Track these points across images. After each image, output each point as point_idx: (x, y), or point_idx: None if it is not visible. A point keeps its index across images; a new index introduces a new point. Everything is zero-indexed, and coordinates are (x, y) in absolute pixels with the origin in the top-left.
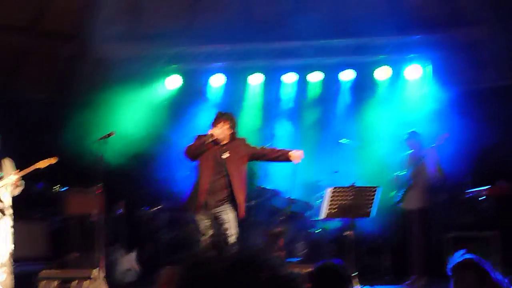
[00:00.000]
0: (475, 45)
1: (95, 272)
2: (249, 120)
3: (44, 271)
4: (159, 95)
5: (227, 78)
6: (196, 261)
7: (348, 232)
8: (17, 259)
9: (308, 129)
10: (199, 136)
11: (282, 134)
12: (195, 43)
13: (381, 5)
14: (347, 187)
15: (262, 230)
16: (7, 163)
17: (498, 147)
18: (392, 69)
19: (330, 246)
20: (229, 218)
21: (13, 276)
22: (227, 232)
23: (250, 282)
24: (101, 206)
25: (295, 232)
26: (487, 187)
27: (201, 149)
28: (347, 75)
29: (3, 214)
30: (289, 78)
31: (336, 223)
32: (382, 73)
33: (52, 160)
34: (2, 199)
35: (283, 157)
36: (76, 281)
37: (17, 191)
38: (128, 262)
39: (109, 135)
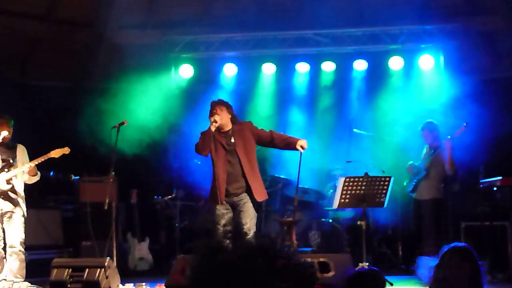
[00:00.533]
0: (490, 34)
1: (107, 260)
2: (262, 109)
3: (56, 259)
4: (173, 83)
5: (240, 67)
6: (211, 249)
7: (360, 222)
8: (30, 247)
9: (321, 118)
10: (202, 133)
11: (296, 124)
12: (209, 31)
13: None
14: (360, 177)
15: (275, 219)
16: (21, 150)
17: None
18: (406, 59)
19: (343, 235)
20: (247, 207)
21: (25, 264)
22: (244, 221)
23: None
24: (114, 195)
25: (308, 221)
26: (501, 177)
27: (209, 140)
28: (360, 65)
29: (16, 202)
30: (303, 67)
31: (349, 213)
32: (396, 63)
33: (65, 150)
34: (15, 187)
35: (291, 145)
36: (88, 270)
37: (33, 181)
38: (141, 251)
39: (121, 123)
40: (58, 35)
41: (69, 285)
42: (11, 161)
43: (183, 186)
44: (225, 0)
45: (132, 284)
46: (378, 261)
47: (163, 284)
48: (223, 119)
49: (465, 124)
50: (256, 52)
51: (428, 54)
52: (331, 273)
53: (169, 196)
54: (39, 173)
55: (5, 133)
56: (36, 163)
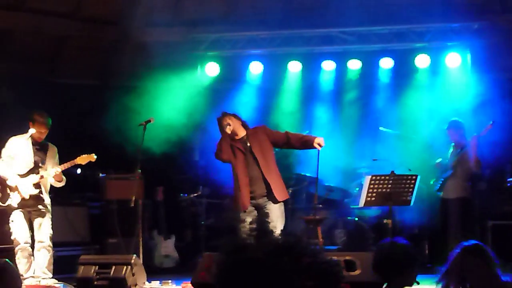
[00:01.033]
0: None
1: (134, 258)
2: (288, 107)
3: (83, 256)
4: (198, 81)
5: (266, 65)
6: (236, 247)
7: (387, 220)
8: (57, 244)
9: (347, 116)
10: (218, 144)
11: (321, 122)
12: (235, 29)
13: None
14: (386, 175)
15: (300, 217)
16: (51, 152)
17: None
18: (433, 57)
19: (369, 234)
20: (273, 206)
21: (53, 260)
22: (270, 219)
23: (290, 268)
24: (141, 192)
25: (334, 219)
26: None
27: (226, 143)
28: (387, 63)
29: (42, 199)
30: (329, 65)
31: (374, 211)
32: (422, 61)
33: (92, 157)
34: (41, 187)
35: (308, 143)
36: (115, 267)
37: (58, 185)
38: (167, 248)
39: (148, 121)
40: (85, 33)
41: (95, 282)
42: (40, 163)
43: (209, 184)
44: None
45: (158, 282)
46: None
47: (189, 282)
48: (234, 124)
49: (491, 122)
50: (282, 50)
51: (455, 52)
52: (357, 272)
53: (195, 194)
54: (64, 178)
55: (32, 130)
56: (63, 168)
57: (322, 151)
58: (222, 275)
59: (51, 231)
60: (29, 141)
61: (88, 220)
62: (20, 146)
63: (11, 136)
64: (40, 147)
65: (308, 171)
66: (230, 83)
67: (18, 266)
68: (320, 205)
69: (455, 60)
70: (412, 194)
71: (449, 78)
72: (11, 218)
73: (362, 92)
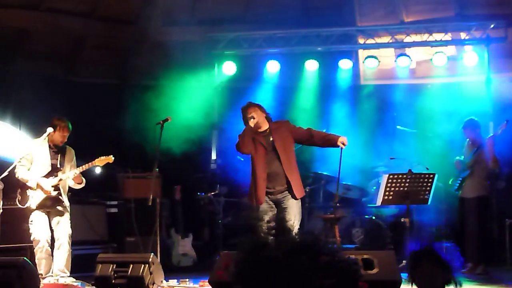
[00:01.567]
0: None
1: (151, 256)
2: (304, 106)
3: (101, 255)
4: (216, 80)
5: (283, 64)
6: (254, 246)
7: (404, 219)
8: (75, 242)
9: (364, 115)
10: (240, 135)
11: (338, 120)
12: (252, 28)
13: None
14: (404, 174)
15: (318, 216)
16: (69, 155)
17: None
18: (450, 55)
19: (386, 233)
20: (291, 204)
21: (71, 259)
22: (288, 218)
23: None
24: (158, 191)
25: (351, 218)
26: None
27: (249, 137)
28: (403, 61)
29: (61, 199)
30: (346, 64)
31: (392, 210)
32: (440, 59)
33: (110, 159)
34: (60, 188)
35: (331, 142)
36: (133, 266)
37: (77, 187)
38: (185, 247)
39: (165, 120)
40: (103, 33)
41: (113, 281)
42: (58, 165)
43: (226, 183)
44: None
45: (175, 280)
46: None
47: (207, 280)
48: (259, 117)
49: (506, 121)
50: (299, 49)
51: (472, 50)
52: (375, 270)
53: (212, 193)
54: (84, 180)
55: (50, 129)
56: (81, 170)
57: (339, 150)
58: (240, 274)
59: (69, 230)
60: (46, 144)
61: (106, 219)
62: (38, 149)
63: (30, 136)
64: (57, 150)
65: (326, 169)
66: (247, 82)
67: (38, 266)
68: (338, 204)
69: (473, 58)
70: (429, 193)
71: (466, 76)
72: (30, 218)
73: (379, 90)
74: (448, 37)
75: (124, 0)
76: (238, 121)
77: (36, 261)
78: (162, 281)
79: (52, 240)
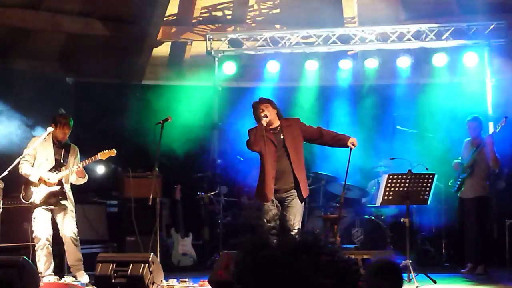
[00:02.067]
0: None
1: (151, 256)
2: (305, 106)
3: (101, 254)
4: (216, 80)
5: (283, 64)
6: (255, 245)
7: (404, 219)
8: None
9: (364, 115)
10: (250, 130)
11: (339, 121)
12: (252, 28)
13: None
14: (404, 174)
15: (318, 216)
16: (73, 151)
17: None
18: (450, 56)
19: (386, 233)
20: (295, 203)
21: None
22: (290, 217)
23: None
24: (158, 190)
25: (351, 218)
26: None
27: (260, 136)
28: (404, 61)
29: (65, 197)
30: (346, 64)
31: (392, 210)
32: (440, 60)
33: (112, 153)
34: (64, 185)
35: (341, 142)
36: (133, 265)
37: (80, 182)
38: (185, 246)
39: (165, 120)
40: (103, 32)
41: (113, 280)
42: (62, 161)
43: (226, 183)
44: None
45: (175, 280)
46: (422, 258)
47: (207, 280)
48: (271, 114)
49: (505, 117)
50: (300, 49)
51: (472, 51)
52: None
53: (212, 192)
54: (87, 175)
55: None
56: (84, 164)
57: (340, 149)
58: (240, 274)
59: (74, 228)
60: (50, 140)
61: (106, 218)
62: (42, 145)
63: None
64: (61, 147)
65: (326, 169)
66: (247, 82)
67: (38, 263)
68: (338, 204)
69: (473, 59)
70: (429, 193)
71: (466, 77)
72: (33, 215)
73: (380, 90)
74: (448, 37)
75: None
76: (238, 121)
77: (36, 258)
78: (162, 281)
79: (59, 237)
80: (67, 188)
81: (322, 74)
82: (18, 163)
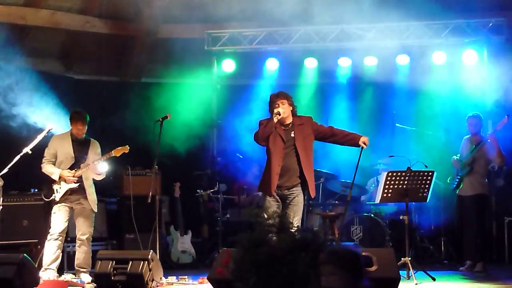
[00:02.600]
0: None
1: (151, 253)
2: (304, 104)
3: (100, 251)
4: (215, 77)
5: (283, 61)
6: (254, 243)
7: (403, 217)
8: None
9: (364, 113)
10: (261, 122)
11: (337, 118)
12: (252, 26)
13: None
14: (403, 171)
15: (317, 213)
16: (93, 147)
17: None
18: (449, 53)
19: (385, 230)
20: (297, 201)
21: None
22: (291, 215)
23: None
24: (158, 188)
25: (350, 216)
26: None
27: (269, 130)
28: (403, 59)
29: (85, 196)
30: (345, 62)
31: (391, 207)
32: (439, 57)
33: (126, 149)
34: (83, 182)
35: (352, 141)
36: (132, 262)
37: (98, 178)
38: (184, 244)
39: (164, 117)
40: (103, 30)
41: (113, 277)
42: (81, 159)
43: (225, 180)
44: None
45: (175, 277)
46: (421, 256)
47: (206, 277)
48: (285, 112)
49: (507, 115)
50: (299, 47)
51: (471, 48)
52: (374, 267)
53: (212, 190)
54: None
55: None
56: (98, 162)
57: (338, 147)
58: (240, 271)
59: (91, 229)
60: (68, 138)
61: (105, 216)
62: (61, 143)
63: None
64: (81, 143)
65: (325, 166)
66: (246, 79)
67: (44, 256)
68: (336, 201)
69: (472, 56)
70: (428, 191)
71: (466, 74)
72: (53, 210)
73: (379, 88)
74: (447, 35)
75: None
76: (238, 118)
77: (44, 250)
78: (161, 278)
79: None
80: (88, 185)
81: (321, 72)
82: (18, 160)
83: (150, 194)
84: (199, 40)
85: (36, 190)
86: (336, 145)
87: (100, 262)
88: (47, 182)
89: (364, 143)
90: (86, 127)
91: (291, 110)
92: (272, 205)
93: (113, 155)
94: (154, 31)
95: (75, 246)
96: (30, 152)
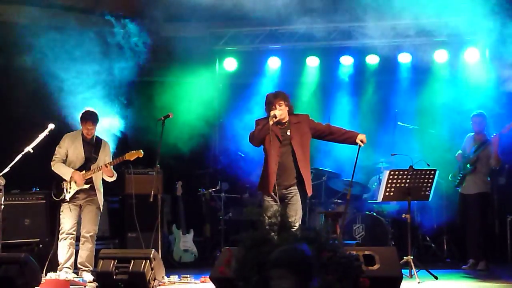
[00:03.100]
0: None
1: (153, 252)
2: (306, 102)
3: (103, 250)
4: (217, 76)
5: (285, 60)
6: (256, 242)
7: (405, 215)
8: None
9: (365, 111)
10: (258, 122)
11: (339, 116)
12: (254, 24)
13: None
14: (405, 170)
15: (319, 212)
16: (104, 147)
17: None
18: (451, 52)
19: (387, 229)
20: (295, 200)
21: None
22: (291, 214)
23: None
24: (160, 187)
25: (352, 214)
26: None
27: (265, 133)
28: (405, 58)
29: (93, 194)
30: (347, 60)
31: (393, 206)
32: (441, 56)
33: (140, 153)
34: (93, 182)
35: (350, 139)
36: (134, 261)
37: (109, 180)
38: (186, 243)
39: (166, 116)
40: (104, 28)
41: (115, 276)
42: (91, 159)
43: (227, 179)
44: None
45: (177, 276)
46: (423, 254)
47: (208, 276)
48: (282, 114)
49: None
50: (300, 45)
51: (473, 47)
52: (376, 266)
53: (214, 189)
54: (115, 173)
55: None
56: (110, 165)
57: (341, 145)
58: (242, 270)
59: (96, 228)
60: (80, 138)
61: (107, 215)
62: (72, 143)
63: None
64: (91, 144)
65: (327, 165)
66: (248, 78)
67: (59, 255)
68: (339, 200)
69: (474, 55)
70: (430, 189)
71: (467, 73)
72: (61, 208)
73: (381, 87)
74: (449, 33)
75: None
76: (239, 116)
77: (58, 249)
78: (163, 277)
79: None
80: (97, 184)
81: (323, 70)
82: (19, 159)
83: (152, 193)
84: (202, 38)
85: (38, 189)
86: (338, 144)
87: (102, 261)
88: (56, 181)
89: (362, 141)
90: (96, 127)
91: (288, 111)
92: (272, 205)
93: (126, 158)
94: (156, 29)
95: (78, 244)
96: (31, 151)
